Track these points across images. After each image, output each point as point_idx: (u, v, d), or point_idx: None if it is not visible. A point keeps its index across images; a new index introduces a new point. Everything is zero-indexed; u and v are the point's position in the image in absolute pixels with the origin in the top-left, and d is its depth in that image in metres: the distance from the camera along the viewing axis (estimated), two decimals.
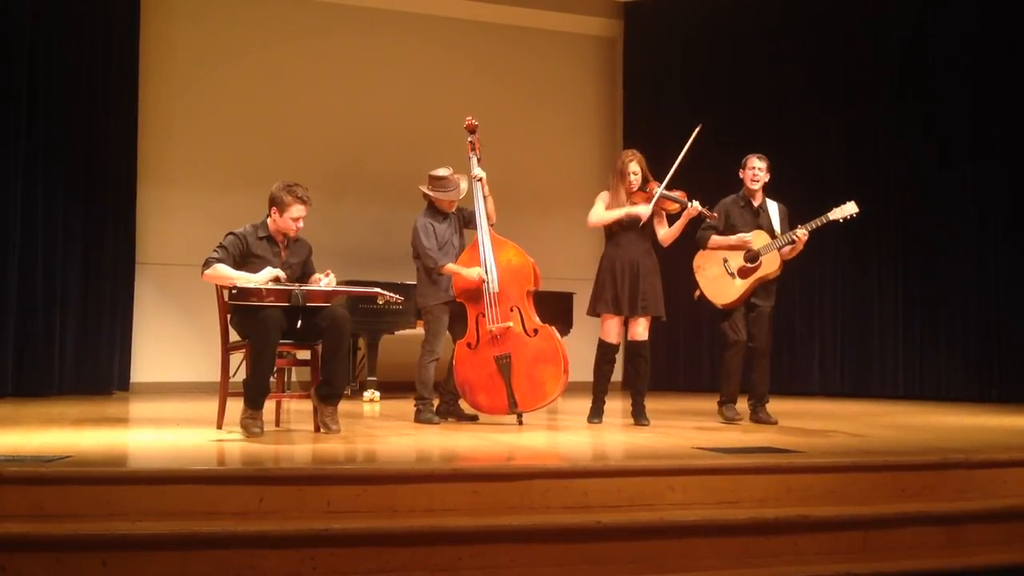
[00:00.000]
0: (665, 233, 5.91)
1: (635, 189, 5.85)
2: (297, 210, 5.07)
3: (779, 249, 5.88)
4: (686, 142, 5.82)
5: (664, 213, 5.91)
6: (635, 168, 5.83)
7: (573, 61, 10.55)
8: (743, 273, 5.91)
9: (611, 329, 5.87)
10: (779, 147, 9.07)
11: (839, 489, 3.91)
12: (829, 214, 5.87)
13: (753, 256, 5.89)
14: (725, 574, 3.49)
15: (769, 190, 6.12)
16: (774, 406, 6.12)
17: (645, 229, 5.85)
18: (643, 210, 5.75)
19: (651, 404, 5.95)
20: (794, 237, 5.83)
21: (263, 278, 4.91)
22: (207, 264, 4.96)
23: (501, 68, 10.17)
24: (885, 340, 8.70)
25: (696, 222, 5.87)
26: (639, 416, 5.82)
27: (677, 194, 5.83)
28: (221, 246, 5.02)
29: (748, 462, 4.00)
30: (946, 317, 8.36)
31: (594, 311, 5.91)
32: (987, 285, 8.13)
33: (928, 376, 8.46)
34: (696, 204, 5.74)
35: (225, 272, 4.93)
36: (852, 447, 4.69)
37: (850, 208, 5.88)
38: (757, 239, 5.94)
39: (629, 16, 10.47)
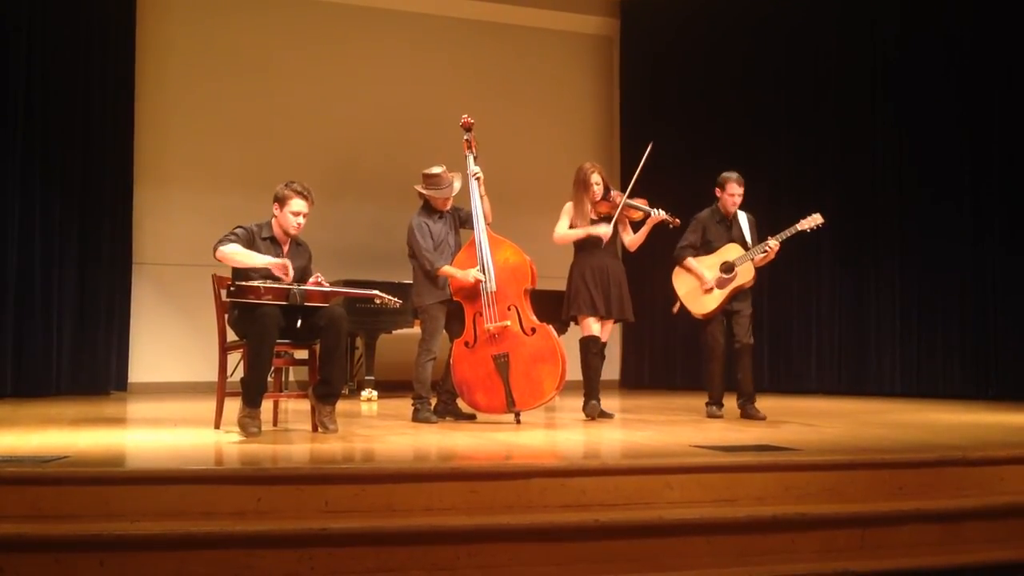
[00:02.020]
0: (631, 240, 6.27)
1: (598, 199, 6.08)
2: (297, 204, 5.06)
3: (752, 259, 6.15)
4: (644, 156, 6.10)
5: (628, 221, 6.23)
6: (597, 179, 6.09)
7: (570, 60, 10.56)
8: (720, 284, 6.19)
9: (592, 325, 6.08)
10: (774, 146, 9.15)
11: (837, 487, 3.91)
12: (797, 225, 6.17)
13: (729, 267, 6.17)
14: (723, 572, 3.49)
15: (744, 201, 6.37)
16: (772, 404, 6.16)
17: (612, 237, 6.11)
18: (604, 230, 6.02)
19: (649, 403, 6.00)
20: (767, 247, 6.12)
21: (274, 262, 4.89)
22: (222, 242, 4.93)
23: (498, 67, 10.17)
24: (882, 338, 8.69)
25: (660, 227, 6.12)
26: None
27: (639, 202, 6.11)
28: (233, 232, 5.02)
29: (746, 460, 4.00)
30: (943, 314, 8.35)
31: (569, 314, 6.15)
32: (984, 282, 8.11)
33: (925, 374, 8.45)
34: (659, 211, 6.05)
35: (240, 250, 4.91)
36: (850, 445, 4.69)
37: (816, 219, 6.17)
38: (730, 251, 6.23)
39: (625, 15, 10.49)
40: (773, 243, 6.11)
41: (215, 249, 4.94)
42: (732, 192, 6.25)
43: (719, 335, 6.21)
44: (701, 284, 6.20)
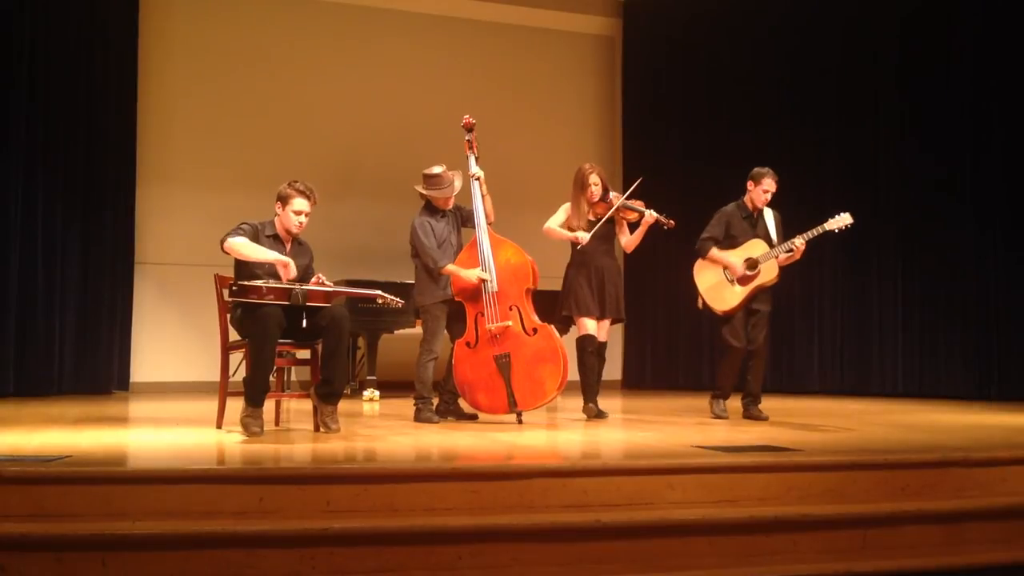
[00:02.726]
0: (627, 241, 6.29)
1: (596, 200, 6.13)
2: (299, 203, 5.08)
3: (776, 257, 5.99)
4: (632, 186, 6.17)
5: (625, 223, 6.25)
6: (595, 180, 6.12)
7: (572, 60, 10.56)
8: (743, 281, 6.04)
9: (587, 324, 6.10)
10: (777, 146, 9.12)
11: (839, 487, 3.91)
12: (825, 224, 5.97)
13: (752, 264, 6.01)
14: (725, 573, 3.49)
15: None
16: (774, 404, 6.13)
17: (607, 238, 6.18)
18: (583, 236, 6.05)
19: (651, 403, 6.01)
20: (792, 246, 5.96)
21: (280, 259, 4.90)
22: (230, 234, 4.94)
23: (500, 67, 10.18)
24: (884, 338, 8.69)
25: (658, 229, 6.10)
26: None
27: (635, 204, 6.13)
28: (240, 227, 5.03)
29: (747, 461, 4.00)
30: (945, 315, 8.35)
31: (560, 313, 6.16)
32: (986, 283, 8.11)
33: (927, 374, 8.45)
34: (652, 213, 6.04)
35: (248, 243, 4.92)
36: (852, 445, 4.69)
37: (845, 219, 5.97)
38: (755, 248, 6.07)
39: (628, 15, 10.49)
40: (799, 242, 5.93)
41: (222, 242, 4.95)
42: (767, 188, 6.08)
43: (740, 333, 6.04)
44: (731, 272, 6.02)
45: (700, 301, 6.23)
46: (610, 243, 6.20)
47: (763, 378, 6.22)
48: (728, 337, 6.08)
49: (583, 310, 6.05)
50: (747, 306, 6.06)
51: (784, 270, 6.11)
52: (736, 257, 6.06)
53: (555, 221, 6.20)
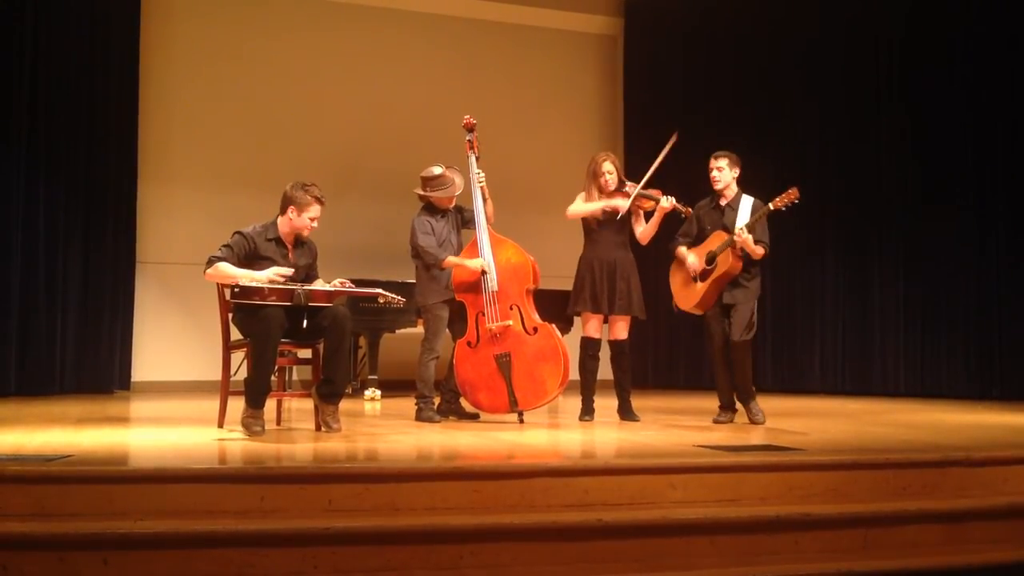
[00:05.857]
0: (643, 231, 6.00)
1: (610, 189, 5.89)
2: (315, 210, 5.09)
3: (731, 248, 5.67)
4: (663, 148, 5.84)
5: (641, 212, 5.98)
6: (609, 168, 5.88)
7: (574, 59, 10.55)
8: (703, 276, 5.81)
9: (592, 325, 5.93)
10: (777, 146, 9.14)
11: (840, 487, 3.91)
12: (769, 204, 5.66)
13: (711, 258, 5.79)
14: (726, 572, 3.48)
15: (747, 186, 5.97)
16: (775, 404, 6.05)
17: (622, 228, 5.92)
18: (621, 203, 5.79)
19: (652, 402, 6.00)
20: (734, 239, 5.63)
21: (265, 276, 4.90)
22: (209, 263, 4.95)
23: (502, 66, 10.17)
24: (886, 338, 8.69)
25: (673, 218, 5.87)
26: (627, 413, 5.91)
27: (652, 192, 5.86)
28: (226, 245, 5.01)
29: (749, 460, 4.00)
30: (947, 314, 8.34)
31: (574, 310, 5.98)
32: (988, 281, 8.10)
33: (929, 374, 8.44)
34: (670, 199, 5.78)
35: (227, 271, 4.92)
36: (853, 445, 4.69)
37: (790, 195, 5.64)
38: (716, 240, 5.80)
39: (629, 14, 10.48)
40: (737, 234, 5.58)
41: (204, 271, 4.96)
42: (710, 167, 5.83)
43: (714, 331, 5.80)
44: (689, 271, 5.82)
45: (674, 303, 6.04)
46: (625, 235, 5.94)
47: (749, 375, 5.84)
48: (705, 336, 5.91)
49: (587, 305, 5.84)
50: (720, 302, 5.79)
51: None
52: (693, 255, 5.84)
53: (578, 203, 5.90)
